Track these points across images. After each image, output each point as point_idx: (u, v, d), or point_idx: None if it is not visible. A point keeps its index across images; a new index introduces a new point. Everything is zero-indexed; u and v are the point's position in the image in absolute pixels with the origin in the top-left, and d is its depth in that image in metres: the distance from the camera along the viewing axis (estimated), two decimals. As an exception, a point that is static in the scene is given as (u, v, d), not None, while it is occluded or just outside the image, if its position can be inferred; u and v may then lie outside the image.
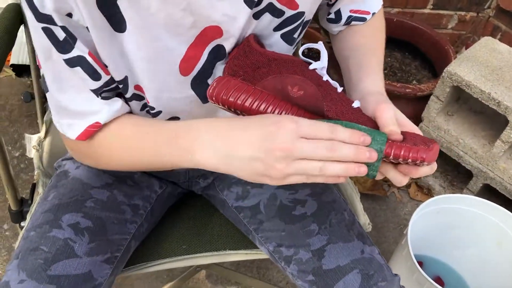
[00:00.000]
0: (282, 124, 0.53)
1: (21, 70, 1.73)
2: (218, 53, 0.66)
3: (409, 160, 0.56)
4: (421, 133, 0.62)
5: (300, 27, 0.71)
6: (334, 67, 1.50)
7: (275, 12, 0.67)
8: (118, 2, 0.57)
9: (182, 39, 0.63)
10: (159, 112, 0.70)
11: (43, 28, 0.56)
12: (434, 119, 1.51)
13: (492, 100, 1.31)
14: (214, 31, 0.64)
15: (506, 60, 1.44)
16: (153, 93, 0.67)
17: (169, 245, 0.85)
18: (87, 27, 0.57)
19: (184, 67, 0.65)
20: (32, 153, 0.94)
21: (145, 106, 0.71)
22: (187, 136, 0.60)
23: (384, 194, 1.63)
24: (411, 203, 1.62)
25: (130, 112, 0.70)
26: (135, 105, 0.70)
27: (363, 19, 0.81)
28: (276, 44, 0.71)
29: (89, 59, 0.60)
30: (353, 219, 0.80)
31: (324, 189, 0.83)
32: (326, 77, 0.64)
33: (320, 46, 0.67)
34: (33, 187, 0.92)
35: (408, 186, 1.67)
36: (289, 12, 0.68)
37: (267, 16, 0.67)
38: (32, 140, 0.97)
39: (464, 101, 1.56)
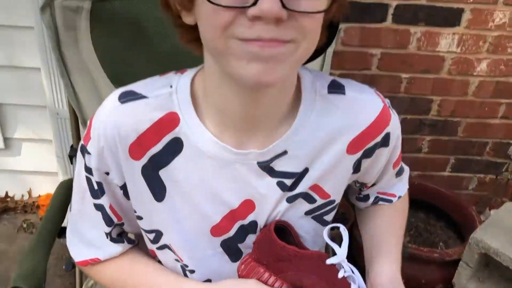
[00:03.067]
0: None
1: (61, 231, 1.81)
2: (250, 226, 0.73)
3: None
4: None
5: (332, 211, 0.78)
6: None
7: (308, 198, 0.74)
8: (160, 173, 0.68)
9: (219, 209, 0.71)
10: (192, 271, 0.76)
11: (86, 176, 0.70)
12: (465, 286, 1.49)
13: (522, 269, 1.31)
14: (248, 206, 0.71)
15: (531, 226, 1.46)
16: (183, 248, 0.74)
17: None
18: (119, 186, 0.70)
19: (216, 232, 0.72)
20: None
21: (177, 260, 0.76)
22: None
23: None
24: None
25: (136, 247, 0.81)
26: (167, 256, 0.76)
27: (390, 201, 0.87)
28: (308, 225, 0.76)
29: (108, 210, 0.73)
30: None
31: None
32: (341, 273, 0.69)
33: (342, 230, 0.73)
34: None
35: None
36: (320, 201, 0.75)
37: (300, 201, 0.74)
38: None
39: (494, 267, 1.55)
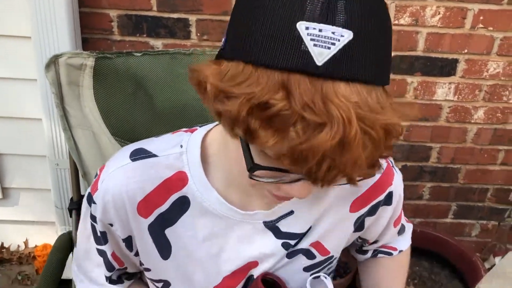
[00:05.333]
0: None
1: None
2: (249, 281, 0.72)
3: None
4: None
5: (331, 268, 0.77)
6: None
7: (308, 254, 0.73)
8: (166, 231, 0.68)
9: (222, 269, 0.70)
10: None
11: (91, 222, 0.70)
12: None
13: (531, 322, 1.27)
14: (251, 265, 0.71)
15: (537, 276, 1.43)
16: None
17: None
18: (122, 238, 0.69)
19: None
20: None
21: None
22: None
23: None
24: None
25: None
26: None
27: (389, 253, 0.86)
28: (304, 280, 0.74)
29: (110, 257, 0.74)
30: None
31: None
32: None
33: (324, 279, 0.72)
34: None
35: None
36: (320, 257, 0.74)
37: (300, 257, 0.72)
38: None
39: (502, 318, 1.51)
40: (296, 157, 0.44)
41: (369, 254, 0.87)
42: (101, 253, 0.74)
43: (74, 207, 1.06)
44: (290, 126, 0.43)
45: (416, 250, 1.90)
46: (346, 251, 1.79)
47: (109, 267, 0.75)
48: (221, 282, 0.71)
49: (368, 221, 0.75)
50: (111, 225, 0.69)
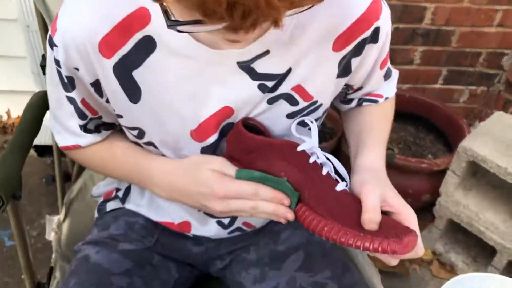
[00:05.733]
0: (214, 192, 0.65)
1: (42, 150, 1.78)
2: (228, 129, 0.70)
3: (380, 251, 0.58)
4: (414, 216, 0.64)
5: (315, 113, 0.73)
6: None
7: (290, 100, 0.69)
8: (133, 74, 0.64)
9: (197, 113, 0.67)
10: None
11: (56, 68, 0.66)
12: (452, 194, 1.49)
13: (509, 175, 1.30)
14: (227, 112, 0.68)
15: (520, 134, 1.44)
16: (166, 148, 0.72)
17: (185, 331, 0.83)
18: (90, 83, 0.66)
19: (196, 136, 0.70)
20: (51, 235, 0.95)
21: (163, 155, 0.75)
22: (142, 176, 0.75)
23: (406, 272, 1.57)
24: (434, 280, 1.57)
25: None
26: (153, 152, 0.75)
27: (375, 101, 0.83)
28: (288, 127, 0.72)
29: (80, 105, 0.71)
30: None
31: (345, 270, 0.81)
32: (313, 158, 0.66)
33: (309, 122, 0.69)
34: (50, 270, 0.92)
35: (430, 262, 1.62)
36: (303, 103, 0.70)
37: (281, 103, 0.69)
38: (51, 222, 0.98)
39: (481, 176, 1.55)
40: (203, 8, 0.41)
41: (354, 103, 0.83)
42: (71, 100, 0.70)
43: (45, 64, 1.01)
44: None
45: (403, 115, 1.91)
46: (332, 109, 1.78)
47: (81, 115, 0.72)
48: (197, 127, 0.68)
49: (354, 62, 0.71)
50: (77, 69, 0.64)
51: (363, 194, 0.64)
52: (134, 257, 0.80)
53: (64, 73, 0.65)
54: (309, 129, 0.69)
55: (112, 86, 0.66)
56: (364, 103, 0.83)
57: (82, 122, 0.74)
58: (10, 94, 1.82)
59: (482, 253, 1.59)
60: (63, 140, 0.79)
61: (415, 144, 1.89)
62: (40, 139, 1.69)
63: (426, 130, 1.94)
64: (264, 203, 0.65)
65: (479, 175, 1.55)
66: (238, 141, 0.68)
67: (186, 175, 0.69)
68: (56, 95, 0.71)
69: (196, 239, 0.84)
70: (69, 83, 0.67)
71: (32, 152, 1.75)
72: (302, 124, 0.72)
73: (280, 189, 0.65)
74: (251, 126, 0.69)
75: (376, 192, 0.64)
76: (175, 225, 0.83)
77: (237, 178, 0.65)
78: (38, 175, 1.78)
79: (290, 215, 0.65)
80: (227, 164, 0.67)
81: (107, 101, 0.70)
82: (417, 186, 1.61)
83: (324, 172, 0.66)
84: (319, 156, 0.66)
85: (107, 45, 0.62)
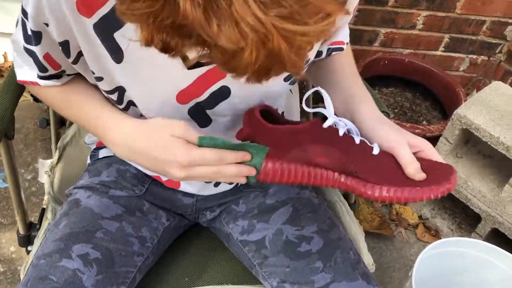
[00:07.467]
0: (177, 161, 0.61)
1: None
2: (221, 92, 0.69)
3: (440, 196, 0.61)
4: (433, 147, 0.67)
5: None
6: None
7: None
8: (115, 35, 0.61)
9: (185, 74, 0.65)
10: None
11: (21, 18, 0.63)
12: (443, 161, 1.51)
13: (501, 145, 1.32)
14: (217, 72, 0.66)
15: (516, 105, 1.45)
16: (148, 110, 0.70)
17: (171, 277, 0.86)
18: (58, 42, 0.63)
19: (183, 98, 0.68)
20: (44, 178, 0.96)
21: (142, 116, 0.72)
22: (98, 131, 0.71)
23: (391, 234, 1.61)
24: (418, 244, 1.61)
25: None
26: (132, 115, 0.72)
27: (341, 49, 0.83)
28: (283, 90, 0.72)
29: (41, 59, 0.67)
30: (358, 258, 0.80)
31: (331, 227, 0.83)
32: (342, 131, 0.66)
33: (320, 90, 0.69)
34: (42, 212, 0.94)
35: (415, 226, 1.66)
36: None
37: None
38: (44, 165, 0.99)
39: (473, 144, 1.57)
40: (230, 70, 0.43)
41: (323, 55, 0.83)
42: (30, 53, 0.67)
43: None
44: None
45: (401, 81, 1.90)
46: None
47: (41, 67, 0.69)
48: (182, 91, 0.67)
49: None
50: (47, 25, 0.61)
51: (395, 149, 0.66)
52: (125, 204, 0.82)
53: (30, 26, 0.62)
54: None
55: (93, 45, 0.63)
56: (333, 53, 0.82)
57: (41, 74, 0.71)
58: (8, 37, 1.80)
59: (467, 220, 1.63)
60: (23, 75, 0.74)
61: (411, 110, 1.90)
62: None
63: (423, 96, 1.93)
64: (227, 166, 0.62)
65: (470, 143, 1.56)
66: (263, 135, 0.65)
67: (148, 139, 0.64)
68: (17, 38, 0.68)
69: (186, 192, 0.86)
70: (33, 37, 0.64)
71: (28, 97, 1.74)
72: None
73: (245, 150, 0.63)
74: (262, 112, 0.68)
75: (404, 143, 0.66)
76: (164, 180, 0.84)
77: (199, 145, 0.61)
78: (34, 119, 1.78)
79: (253, 172, 0.64)
80: (190, 130, 0.63)
81: (75, 61, 0.67)
82: (409, 151, 1.63)
83: (357, 141, 0.66)
84: (341, 124, 0.67)
85: (84, 4, 0.59)
